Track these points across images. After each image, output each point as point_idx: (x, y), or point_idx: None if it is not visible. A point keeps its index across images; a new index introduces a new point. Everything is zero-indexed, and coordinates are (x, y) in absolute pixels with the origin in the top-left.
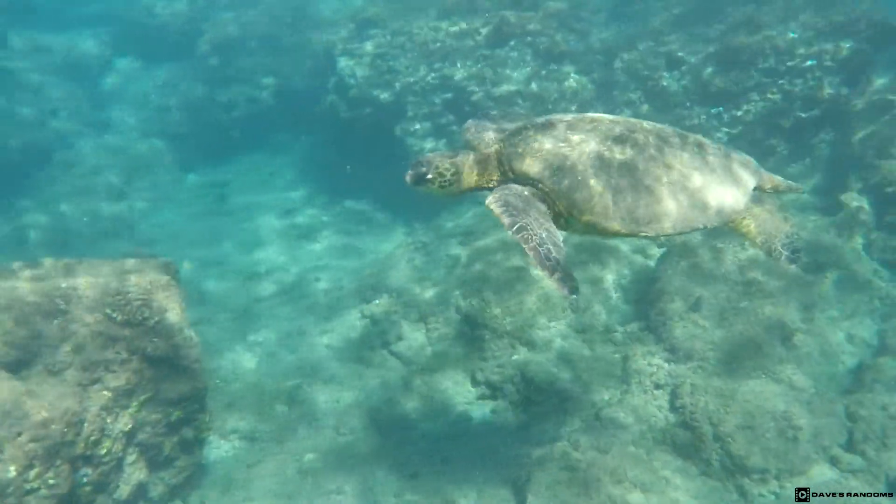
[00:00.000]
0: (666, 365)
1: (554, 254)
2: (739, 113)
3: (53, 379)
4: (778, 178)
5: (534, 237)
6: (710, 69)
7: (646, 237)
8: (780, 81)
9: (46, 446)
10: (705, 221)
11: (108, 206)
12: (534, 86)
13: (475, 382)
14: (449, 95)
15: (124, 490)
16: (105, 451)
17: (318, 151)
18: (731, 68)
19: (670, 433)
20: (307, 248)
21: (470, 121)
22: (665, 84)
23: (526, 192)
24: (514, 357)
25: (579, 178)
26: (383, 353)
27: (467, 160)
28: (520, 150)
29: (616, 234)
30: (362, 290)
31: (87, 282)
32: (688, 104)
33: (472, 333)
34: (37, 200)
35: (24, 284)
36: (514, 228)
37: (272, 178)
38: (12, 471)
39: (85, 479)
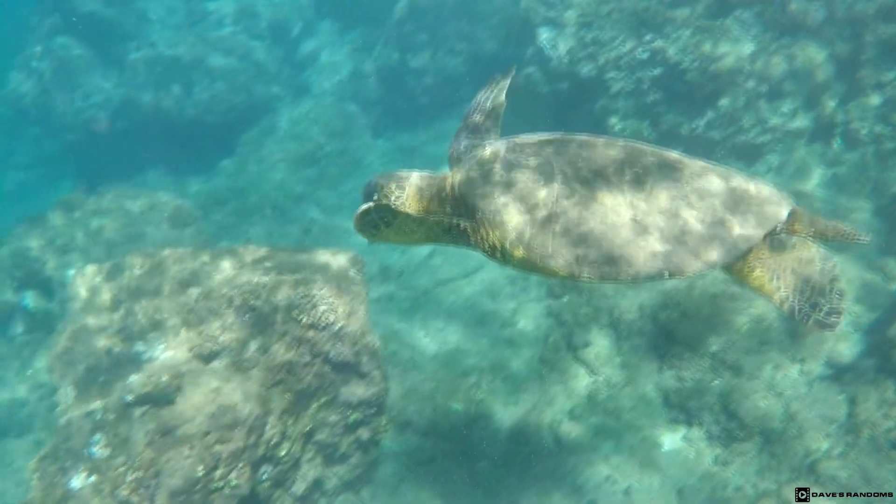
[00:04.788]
0: None
1: None
2: None
3: (241, 376)
4: (826, 223)
5: None
6: None
7: (589, 281)
8: None
9: (231, 449)
10: (670, 269)
11: (302, 171)
12: (759, 63)
13: (668, 404)
14: (658, 71)
15: (300, 486)
16: (284, 452)
17: (507, 123)
18: None
19: None
20: None
21: (458, 141)
22: None
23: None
24: (716, 382)
25: (512, 209)
26: (567, 357)
27: (415, 183)
28: (461, 174)
29: (554, 275)
30: (550, 283)
31: (275, 279)
32: None
33: (668, 350)
34: (237, 163)
35: (219, 276)
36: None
37: None
38: (199, 470)
39: (265, 477)
